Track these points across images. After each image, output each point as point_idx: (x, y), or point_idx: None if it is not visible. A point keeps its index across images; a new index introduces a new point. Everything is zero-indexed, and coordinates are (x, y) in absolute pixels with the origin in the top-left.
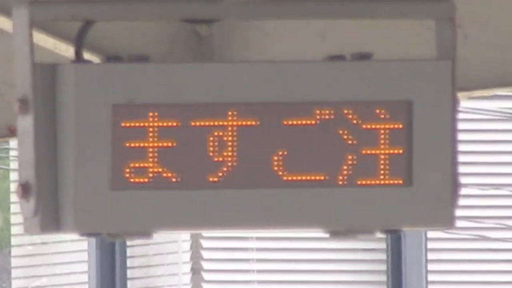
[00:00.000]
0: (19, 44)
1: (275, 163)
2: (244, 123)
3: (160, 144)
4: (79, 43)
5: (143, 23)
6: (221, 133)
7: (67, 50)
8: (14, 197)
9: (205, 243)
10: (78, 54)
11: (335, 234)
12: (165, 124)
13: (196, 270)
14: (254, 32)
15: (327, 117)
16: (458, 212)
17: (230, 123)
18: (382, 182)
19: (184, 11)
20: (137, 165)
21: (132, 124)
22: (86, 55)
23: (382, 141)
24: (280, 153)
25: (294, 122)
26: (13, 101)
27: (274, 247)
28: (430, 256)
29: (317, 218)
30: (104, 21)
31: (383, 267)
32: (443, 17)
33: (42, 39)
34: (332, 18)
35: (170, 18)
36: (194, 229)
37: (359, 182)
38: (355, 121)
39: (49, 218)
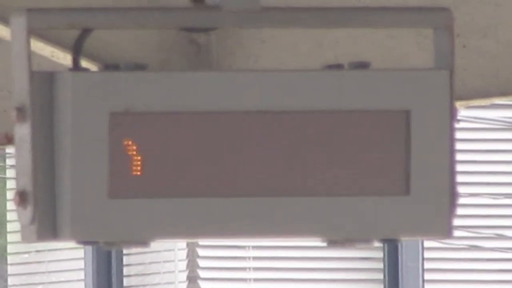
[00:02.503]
0: (16, 51)
1: (273, 172)
2: (241, 131)
3: (158, 153)
4: (77, 51)
5: (141, 31)
6: (218, 141)
7: (64, 58)
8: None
9: (201, 252)
10: (75, 62)
11: (333, 243)
12: (162, 132)
13: (192, 279)
14: (251, 41)
15: (324, 126)
16: (455, 222)
17: (227, 131)
18: (380, 191)
19: (182, 19)
20: (134, 173)
21: (130, 133)
22: (84, 63)
23: (379, 150)
24: (278, 162)
25: (292, 131)
26: (10, 109)
27: (271, 256)
28: (427, 265)
29: (315, 227)
30: (102, 29)
31: (380, 276)
32: (441, 26)
33: (40, 47)
34: (329, 27)
35: (168, 26)
36: (191, 237)
37: (356, 192)
38: (352, 130)
39: (46, 226)
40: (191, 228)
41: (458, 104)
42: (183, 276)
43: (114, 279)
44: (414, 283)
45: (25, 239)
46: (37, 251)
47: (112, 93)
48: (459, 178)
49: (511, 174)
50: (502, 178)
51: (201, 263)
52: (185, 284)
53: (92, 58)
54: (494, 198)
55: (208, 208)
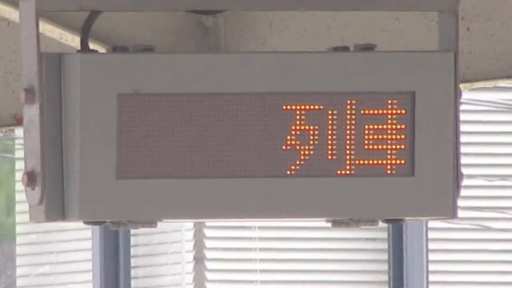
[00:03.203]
0: (25, 34)
1: (278, 153)
2: (249, 112)
3: (165, 134)
4: (85, 33)
5: (149, 13)
6: (225, 123)
7: (73, 40)
8: (20, 186)
9: (208, 232)
10: (84, 44)
11: (338, 223)
12: (169, 114)
13: (199, 259)
14: (259, 23)
15: (330, 107)
16: (459, 202)
17: (235, 112)
18: (385, 172)
19: (190, 1)
20: (141, 154)
21: (137, 114)
22: (92, 45)
23: (384, 132)
24: (284, 143)
25: (300, 112)
26: (19, 90)
27: (277, 237)
28: (431, 246)
29: (320, 208)
30: (110, 11)
31: (385, 256)
32: (446, 9)
33: (49, 29)
34: (337, 9)
35: (176, 8)
36: (198, 218)
37: (361, 172)
38: (357, 112)
39: (54, 206)
40: (198, 208)
41: (462, 86)
42: (190, 256)
43: (121, 260)
44: (418, 264)
45: (34, 219)
46: (45, 231)
47: (120, 75)
48: (463, 160)
49: None
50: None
51: (208, 243)
52: (192, 265)
53: (100, 40)
54: (502, 179)
55: (214, 188)
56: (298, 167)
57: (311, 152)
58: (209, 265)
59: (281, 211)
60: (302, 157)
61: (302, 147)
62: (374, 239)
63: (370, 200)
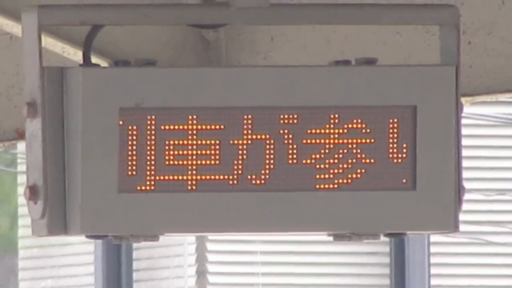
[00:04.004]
0: (27, 48)
1: (281, 166)
2: (250, 126)
3: (168, 148)
4: (87, 47)
5: (150, 27)
6: (226, 136)
7: (75, 54)
8: (21, 200)
9: (210, 246)
10: (86, 58)
11: (339, 237)
12: (171, 127)
13: (201, 273)
14: (260, 37)
15: (331, 121)
16: (461, 217)
17: (236, 126)
18: (386, 186)
19: (191, 16)
20: (143, 168)
21: (139, 128)
22: (94, 59)
23: (386, 146)
24: (285, 157)
25: (300, 126)
26: (21, 104)
27: (278, 251)
28: (433, 260)
29: (322, 222)
30: (112, 25)
31: (387, 270)
32: (447, 24)
33: (51, 43)
34: (337, 23)
35: (177, 23)
36: (200, 232)
37: (363, 186)
38: (358, 125)
39: (56, 220)
40: (200, 222)
41: (463, 100)
42: (193, 270)
43: (123, 273)
44: (420, 278)
45: (36, 233)
46: (48, 245)
47: (122, 89)
48: (465, 174)
49: None
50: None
51: (210, 257)
52: (194, 278)
53: (102, 54)
54: (499, 194)
55: (216, 202)
56: (299, 181)
57: (312, 166)
58: (211, 279)
59: (283, 225)
60: (303, 171)
61: (303, 161)
62: (376, 253)
63: (372, 214)
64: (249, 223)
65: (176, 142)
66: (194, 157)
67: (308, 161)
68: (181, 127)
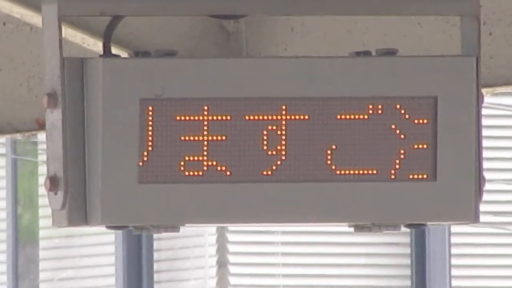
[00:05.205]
0: (48, 39)
1: (301, 157)
2: (272, 117)
3: (188, 138)
4: (108, 38)
5: (171, 18)
6: (247, 127)
7: (95, 45)
8: (42, 190)
9: (231, 237)
10: (106, 48)
11: (360, 228)
12: (192, 118)
13: (222, 264)
14: (281, 28)
15: (352, 112)
16: (482, 207)
17: (257, 117)
18: (407, 177)
19: (212, 6)
20: (164, 158)
21: (160, 118)
22: (114, 50)
23: (407, 136)
24: (306, 147)
25: (321, 117)
26: (41, 95)
27: (299, 241)
28: (454, 250)
29: (342, 212)
30: (132, 16)
31: (407, 261)
32: (468, 14)
33: (71, 34)
34: (358, 14)
35: (198, 13)
36: (220, 222)
37: (383, 177)
38: (379, 116)
39: (77, 211)
40: (220, 213)
41: (484, 90)
42: (213, 261)
43: (144, 264)
44: (441, 268)
45: (56, 224)
46: (68, 236)
47: (142, 80)
48: (486, 164)
49: None
50: None
51: (231, 248)
52: (215, 269)
53: (122, 44)
54: None
55: (237, 193)
56: (320, 172)
57: (333, 156)
58: (232, 269)
59: (304, 216)
60: (324, 161)
61: (324, 151)
62: (396, 244)
63: (393, 205)
64: (270, 214)
65: (195, 133)
66: (213, 147)
67: (329, 151)
68: (200, 118)
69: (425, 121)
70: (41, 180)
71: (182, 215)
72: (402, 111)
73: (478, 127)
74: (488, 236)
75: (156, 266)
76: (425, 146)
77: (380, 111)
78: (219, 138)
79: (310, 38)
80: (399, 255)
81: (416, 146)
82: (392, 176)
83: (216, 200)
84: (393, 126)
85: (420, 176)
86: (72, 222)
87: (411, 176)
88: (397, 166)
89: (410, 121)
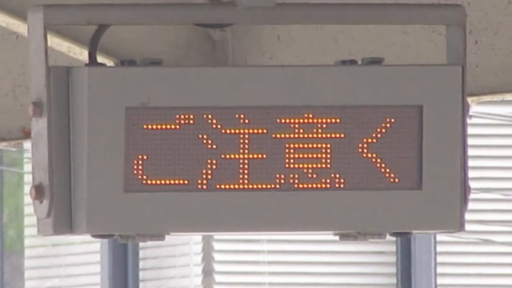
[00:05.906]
0: (33, 47)
1: (286, 165)
2: (256, 127)
3: (173, 147)
4: (93, 47)
5: (157, 27)
6: (232, 135)
7: (81, 54)
8: (28, 199)
9: (216, 246)
10: (92, 57)
11: (345, 236)
12: (177, 127)
13: (207, 272)
14: (267, 37)
15: (337, 121)
16: (467, 216)
17: (241, 127)
18: (392, 185)
19: (198, 16)
20: (149, 167)
21: (145, 127)
22: (100, 59)
23: (392, 145)
24: (290, 156)
25: (306, 126)
26: (27, 104)
27: (285, 250)
28: (439, 259)
29: (328, 221)
30: (118, 25)
31: (393, 269)
32: (454, 23)
33: (57, 43)
34: (344, 23)
35: (184, 22)
36: (206, 231)
37: (369, 186)
38: (365, 125)
39: (62, 219)
40: (206, 221)
41: (470, 99)
42: (199, 269)
43: (130, 273)
44: (426, 277)
45: (42, 232)
46: (54, 244)
47: (128, 88)
48: (471, 173)
49: None
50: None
51: (217, 256)
52: (200, 278)
53: (108, 53)
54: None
55: (222, 202)
56: (305, 180)
57: (318, 165)
58: (217, 278)
59: (289, 225)
60: (309, 170)
61: (308, 160)
62: (382, 253)
63: (378, 213)
64: (255, 222)
65: (183, 141)
66: (198, 156)
67: (312, 160)
68: (186, 126)
69: (410, 130)
70: (27, 189)
71: (168, 224)
72: (387, 120)
73: (464, 136)
74: (473, 245)
75: (142, 275)
76: (410, 154)
77: (364, 120)
78: (205, 146)
79: (296, 47)
80: (385, 263)
81: (401, 155)
82: (377, 185)
83: (202, 209)
84: (378, 135)
85: (405, 185)
86: (57, 230)
87: (396, 185)
88: (382, 175)
89: (395, 130)
